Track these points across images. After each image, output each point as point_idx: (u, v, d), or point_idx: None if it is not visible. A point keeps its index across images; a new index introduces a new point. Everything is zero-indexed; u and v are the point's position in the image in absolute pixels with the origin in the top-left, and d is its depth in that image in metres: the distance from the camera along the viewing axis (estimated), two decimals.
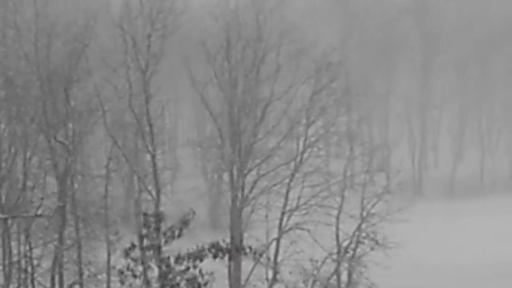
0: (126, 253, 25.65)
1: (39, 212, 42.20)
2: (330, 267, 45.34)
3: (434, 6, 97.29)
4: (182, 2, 66.01)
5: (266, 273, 45.75)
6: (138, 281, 25.50)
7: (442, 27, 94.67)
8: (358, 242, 47.49)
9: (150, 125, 49.87)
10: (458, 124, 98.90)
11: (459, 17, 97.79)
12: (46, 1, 48.11)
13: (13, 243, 41.04)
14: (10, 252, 40.45)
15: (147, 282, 25.75)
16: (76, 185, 46.49)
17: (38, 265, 41.85)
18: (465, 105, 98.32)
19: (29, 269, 41.37)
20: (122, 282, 25.55)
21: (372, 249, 47.33)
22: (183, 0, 69.11)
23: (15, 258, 40.96)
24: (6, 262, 40.55)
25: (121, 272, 25.57)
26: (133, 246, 25.83)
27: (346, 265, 47.40)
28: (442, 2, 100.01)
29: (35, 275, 41.60)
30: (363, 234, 47.48)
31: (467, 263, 61.60)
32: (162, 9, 50.34)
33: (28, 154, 43.93)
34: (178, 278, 25.15)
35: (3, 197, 41.68)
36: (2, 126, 44.62)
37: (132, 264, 25.35)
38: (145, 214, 26.53)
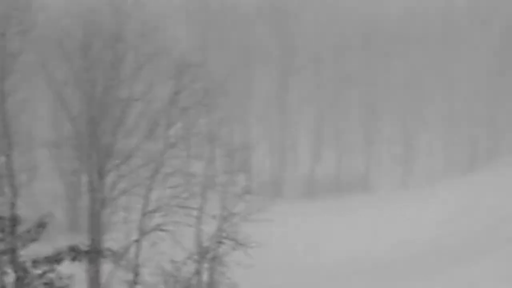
0: None
1: None
2: (192, 267, 45.38)
3: (291, 9, 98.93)
4: (40, 0, 64.61)
5: (127, 276, 45.41)
6: None
7: (299, 30, 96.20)
8: (219, 242, 47.70)
9: (6, 126, 48.67)
10: (316, 125, 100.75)
11: (315, 20, 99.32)
12: None
13: None
14: None
15: (3, 287, 24.98)
16: None
17: None
18: (323, 106, 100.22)
19: None
20: None
21: (233, 249, 47.70)
22: None
23: None
24: None
25: None
26: None
27: (207, 265, 47.59)
28: (299, 5, 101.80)
29: None
30: (224, 234, 47.77)
31: (327, 261, 62.91)
32: (18, 6, 49.18)
33: None
34: (35, 282, 24.55)
35: None
36: None
37: None
38: (0, 217, 25.67)
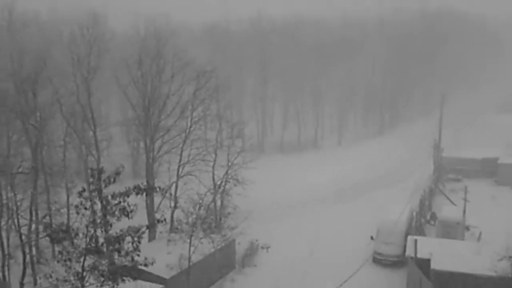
0: (79, 194, 24.80)
1: (20, 170, 40.42)
2: (210, 197, 45.64)
3: (269, 34, 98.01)
4: (110, 32, 63.42)
5: (170, 203, 45.70)
6: (87, 212, 24.78)
7: (274, 48, 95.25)
8: (226, 181, 47.99)
9: (92, 112, 48.50)
10: (284, 107, 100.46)
11: (286, 41, 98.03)
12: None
13: (3, 191, 38.95)
14: (1, 196, 38.42)
15: (94, 211, 25.02)
16: (44, 152, 44.68)
17: (20, 204, 39.99)
18: (288, 95, 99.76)
19: (14, 208, 39.44)
20: (77, 213, 24.73)
21: (235, 185, 48.05)
22: (110, 30, 66.46)
23: (4, 201, 38.93)
24: None
25: (76, 206, 24.75)
26: (83, 189, 25.00)
27: (219, 196, 47.88)
28: (276, 30, 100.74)
29: (19, 211, 39.74)
30: (229, 177, 48.02)
31: (293, 192, 63.11)
32: (97, 37, 49.22)
33: (10, 133, 41.94)
34: (114, 208, 24.65)
35: None
36: None
37: (83, 201, 24.60)
38: (91, 169, 25.63)
